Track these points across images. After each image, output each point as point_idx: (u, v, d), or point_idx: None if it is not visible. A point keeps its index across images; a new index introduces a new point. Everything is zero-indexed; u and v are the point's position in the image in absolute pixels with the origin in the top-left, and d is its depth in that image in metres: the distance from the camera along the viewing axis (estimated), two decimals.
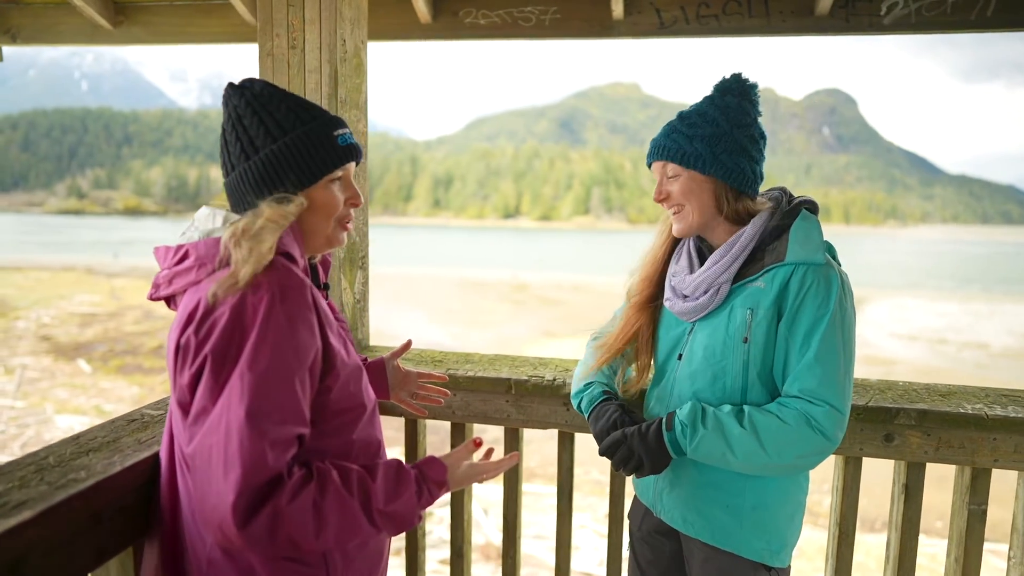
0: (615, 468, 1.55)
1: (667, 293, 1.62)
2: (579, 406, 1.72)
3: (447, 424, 2.10)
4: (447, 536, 5.21)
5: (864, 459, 1.88)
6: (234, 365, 1.02)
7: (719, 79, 1.54)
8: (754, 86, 1.53)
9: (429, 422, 2.13)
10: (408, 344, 1.67)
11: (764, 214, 1.51)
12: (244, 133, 1.16)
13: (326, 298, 1.34)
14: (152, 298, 1.18)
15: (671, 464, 1.51)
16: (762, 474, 1.48)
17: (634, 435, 1.49)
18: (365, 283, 2.22)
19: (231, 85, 1.20)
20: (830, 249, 1.51)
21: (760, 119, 1.54)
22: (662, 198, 1.55)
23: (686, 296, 1.55)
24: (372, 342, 2.39)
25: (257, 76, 2.03)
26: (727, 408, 1.44)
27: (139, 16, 2.94)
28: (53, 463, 1.25)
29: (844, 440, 1.84)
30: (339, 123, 1.23)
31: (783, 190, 1.58)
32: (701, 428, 1.42)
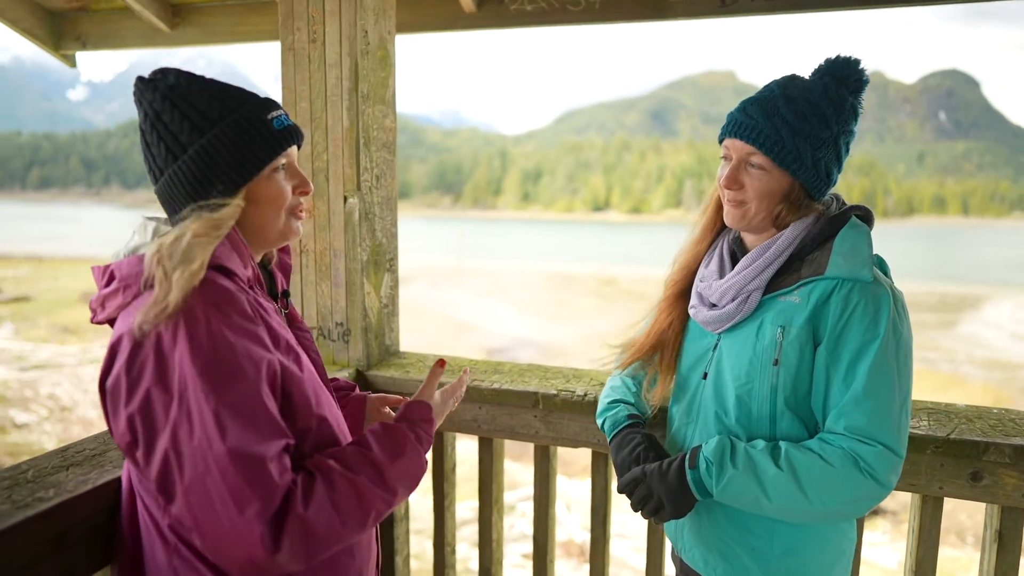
0: (634, 509, 1.36)
1: (693, 300, 1.43)
2: (603, 426, 1.55)
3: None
4: (529, 531, 5.12)
5: (946, 499, 1.61)
6: (187, 398, 0.93)
7: (833, 58, 1.30)
8: (868, 81, 1.30)
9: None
10: (403, 401, 1.46)
11: (808, 218, 1.30)
12: (166, 131, 1.04)
13: (287, 307, 1.24)
14: (94, 322, 1.10)
15: None
16: (800, 521, 1.27)
17: (653, 473, 1.30)
18: (394, 286, 2.12)
19: (140, 79, 1.08)
20: (881, 264, 1.29)
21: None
22: (735, 187, 1.30)
23: (713, 304, 1.36)
24: (403, 348, 2.29)
25: (280, 73, 1.97)
26: (760, 444, 1.24)
27: (194, 17, 2.97)
28: (30, 478, 1.21)
29: (921, 476, 1.58)
30: (272, 105, 1.12)
31: (835, 196, 1.36)
32: (730, 467, 1.22)
